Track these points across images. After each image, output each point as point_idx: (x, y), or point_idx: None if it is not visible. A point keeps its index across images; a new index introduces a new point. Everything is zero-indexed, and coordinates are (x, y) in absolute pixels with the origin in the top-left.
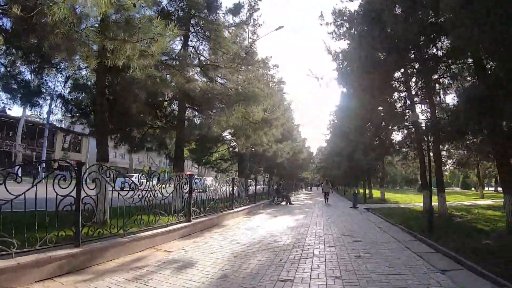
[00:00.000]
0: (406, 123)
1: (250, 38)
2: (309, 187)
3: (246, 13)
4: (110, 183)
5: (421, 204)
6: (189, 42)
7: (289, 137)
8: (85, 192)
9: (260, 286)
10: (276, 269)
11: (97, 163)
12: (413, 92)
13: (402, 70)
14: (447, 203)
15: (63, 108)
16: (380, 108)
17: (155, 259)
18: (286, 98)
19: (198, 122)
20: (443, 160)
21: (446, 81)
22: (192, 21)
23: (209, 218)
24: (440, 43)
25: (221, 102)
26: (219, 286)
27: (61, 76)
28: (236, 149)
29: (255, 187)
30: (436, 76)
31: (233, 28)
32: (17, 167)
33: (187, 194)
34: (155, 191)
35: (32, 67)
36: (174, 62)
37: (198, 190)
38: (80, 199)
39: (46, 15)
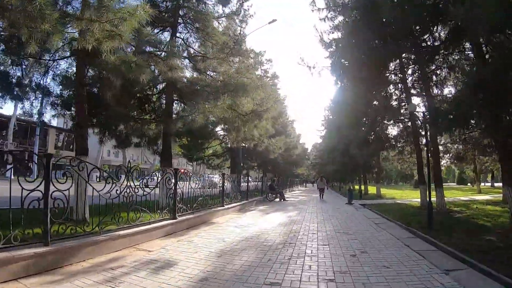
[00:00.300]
0: (402, 117)
1: (239, 26)
2: (304, 184)
3: (236, 3)
4: (83, 178)
5: (418, 200)
6: (179, 34)
7: (282, 132)
8: (55, 187)
9: None
10: (263, 271)
11: (70, 156)
12: (409, 85)
13: (398, 61)
14: (445, 198)
15: (45, 101)
16: (376, 102)
17: (132, 259)
18: (280, 94)
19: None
20: (440, 155)
21: (443, 73)
22: (181, 12)
23: (197, 215)
24: (437, 33)
25: (209, 93)
26: None
27: (44, 68)
28: (229, 145)
29: (247, 183)
30: (433, 67)
31: (223, 18)
32: None
33: (171, 190)
34: (135, 186)
35: (12, 58)
36: (162, 54)
37: (208, 187)
38: (48, 195)
39: None
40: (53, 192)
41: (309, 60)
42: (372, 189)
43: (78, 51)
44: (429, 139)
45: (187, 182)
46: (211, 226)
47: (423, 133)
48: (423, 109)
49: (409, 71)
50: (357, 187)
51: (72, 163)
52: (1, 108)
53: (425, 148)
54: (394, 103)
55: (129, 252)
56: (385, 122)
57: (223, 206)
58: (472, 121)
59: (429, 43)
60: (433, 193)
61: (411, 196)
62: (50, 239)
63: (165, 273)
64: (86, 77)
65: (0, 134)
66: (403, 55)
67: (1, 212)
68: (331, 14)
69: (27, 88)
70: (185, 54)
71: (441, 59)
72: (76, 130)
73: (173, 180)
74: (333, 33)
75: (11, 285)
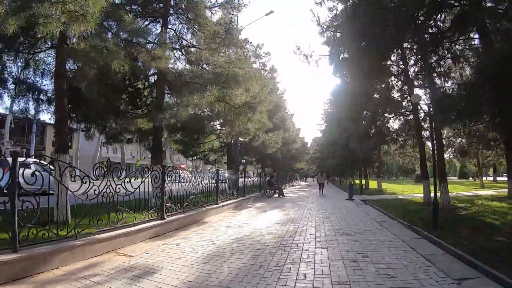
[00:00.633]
0: (404, 110)
1: (231, 13)
2: (304, 178)
3: None
4: (55, 177)
5: (420, 195)
6: (171, 26)
7: (280, 126)
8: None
9: None
10: (252, 281)
11: (41, 154)
12: (411, 76)
13: (399, 51)
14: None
15: (26, 95)
16: (376, 96)
17: (110, 266)
18: (278, 88)
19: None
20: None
21: (447, 64)
22: (172, 2)
23: (188, 214)
24: (439, 22)
25: (201, 85)
26: None
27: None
28: (224, 140)
29: (244, 179)
30: (436, 58)
31: (216, 8)
32: None
33: (159, 189)
34: (116, 185)
35: None
36: (153, 46)
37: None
38: (15, 196)
39: None
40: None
41: (306, 50)
42: (373, 184)
43: (57, 42)
44: (434, 130)
45: (178, 179)
46: (202, 227)
47: (425, 126)
48: (426, 101)
49: (411, 62)
50: (357, 181)
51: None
52: None
53: (428, 142)
54: (396, 94)
55: (108, 258)
56: (386, 115)
57: (217, 204)
58: (485, 106)
59: (432, 33)
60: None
61: (413, 191)
62: (19, 245)
63: (142, 284)
64: (66, 70)
65: None
66: (405, 45)
67: None
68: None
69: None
70: (177, 46)
71: (445, 49)
72: (56, 126)
73: (160, 178)
74: (331, 22)
75: None
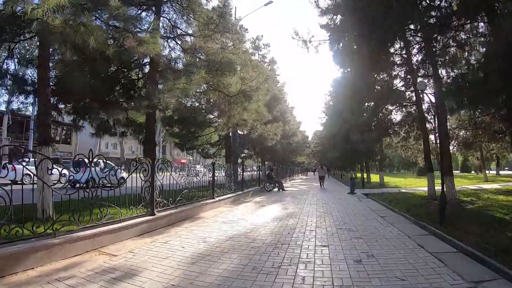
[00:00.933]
0: (406, 102)
1: None
2: (305, 172)
3: None
4: (29, 170)
5: (423, 189)
6: (165, 15)
7: (280, 119)
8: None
9: None
10: (243, 285)
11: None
12: (415, 67)
13: (402, 39)
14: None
15: (12, 87)
16: (378, 87)
17: (89, 266)
18: (279, 80)
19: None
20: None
21: (451, 51)
22: None
23: (181, 209)
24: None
25: (194, 74)
26: None
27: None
28: (221, 132)
29: (242, 172)
30: (440, 46)
31: None
32: None
33: (148, 183)
34: (100, 179)
35: None
36: (145, 35)
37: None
38: None
39: None
40: None
41: (305, 35)
42: (374, 177)
43: (40, 29)
44: (438, 120)
45: (169, 173)
46: (196, 222)
47: (429, 118)
48: (430, 91)
49: (415, 50)
50: (359, 175)
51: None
52: None
53: (432, 134)
54: (399, 84)
55: (89, 257)
56: (389, 107)
57: (214, 198)
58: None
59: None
60: (438, 181)
61: (416, 185)
62: None
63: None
64: (49, 58)
65: None
66: (408, 34)
67: None
68: None
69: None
70: (171, 35)
71: (450, 38)
72: (38, 118)
73: (149, 172)
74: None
75: None
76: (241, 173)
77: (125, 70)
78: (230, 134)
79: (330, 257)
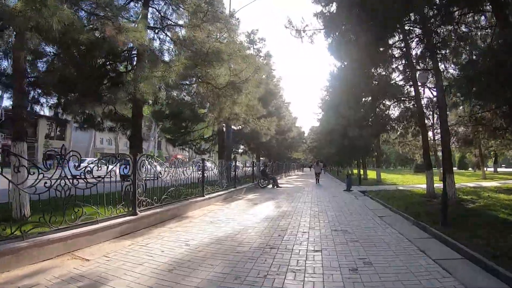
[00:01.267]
0: (404, 98)
1: None
2: (301, 168)
3: None
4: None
5: (421, 186)
6: (156, 6)
7: (275, 114)
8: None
9: None
10: None
11: None
12: (414, 61)
13: (400, 32)
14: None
15: None
16: (375, 82)
17: (57, 273)
18: (274, 75)
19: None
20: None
21: (452, 44)
22: None
23: (167, 208)
24: None
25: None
26: None
27: None
28: (213, 127)
29: (235, 169)
30: (440, 39)
31: None
32: None
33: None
34: (73, 177)
35: None
36: (134, 25)
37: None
38: None
39: None
40: None
41: (299, 24)
42: (371, 174)
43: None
44: (439, 115)
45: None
46: (182, 222)
47: (427, 114)
48: (430, 85)
49: (413, 44)
50: (355, 171)
51: None
52: None
53: (430, 131)
54: (398, 78)
55: (60, 262)
56: (386, 102)
57: (203, 196)
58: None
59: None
60: (436, 178)
61: (413, 182)
62: None
63: None
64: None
65: None
66: (407, 25)
67: None
68: None
69: None
70: (159, 26)
71: (451, 31)
72: (13, 111)
73: (131, 169)
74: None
75: None
76: (234, 170)
77: (112, 62)
78: (224, 129)
79: (323, 265)
